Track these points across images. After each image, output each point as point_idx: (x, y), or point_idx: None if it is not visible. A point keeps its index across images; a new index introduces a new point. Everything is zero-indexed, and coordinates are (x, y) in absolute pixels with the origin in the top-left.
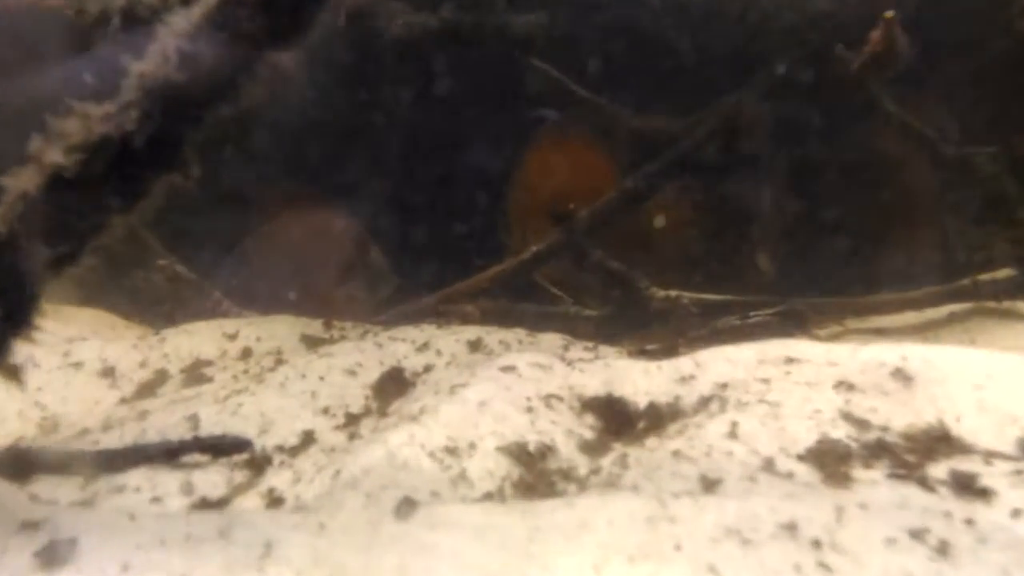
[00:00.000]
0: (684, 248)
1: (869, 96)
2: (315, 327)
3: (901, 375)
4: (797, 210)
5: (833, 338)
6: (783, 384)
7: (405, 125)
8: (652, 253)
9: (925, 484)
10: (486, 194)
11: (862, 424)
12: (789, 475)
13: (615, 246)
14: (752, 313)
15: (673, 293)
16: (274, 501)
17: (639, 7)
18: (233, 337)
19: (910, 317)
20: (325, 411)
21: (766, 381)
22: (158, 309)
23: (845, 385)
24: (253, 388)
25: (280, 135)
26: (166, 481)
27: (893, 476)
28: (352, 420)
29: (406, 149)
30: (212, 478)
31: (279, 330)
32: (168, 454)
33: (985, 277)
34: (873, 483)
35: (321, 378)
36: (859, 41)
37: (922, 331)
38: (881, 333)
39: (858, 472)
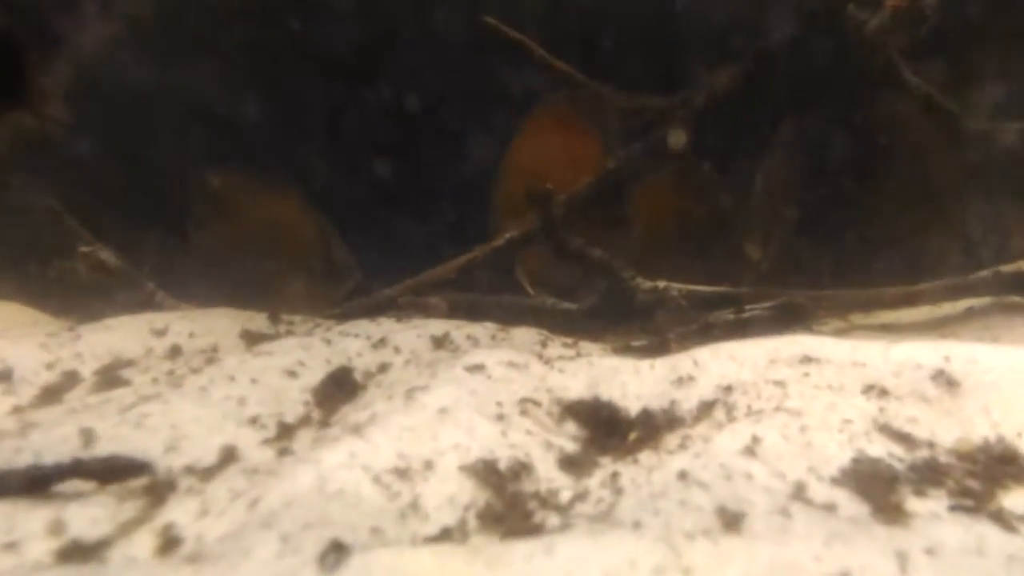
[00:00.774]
0: (673, 235)
1: (885, 62)
2: (260, 321)
3: (944, 379)
4: (795, 192)
5: (838, 334)
6: (801, 388)
7: (366, 95)
8: (638, 240)
9: (1001, 520)
10: (465, 176)
11: (903, 439)
12: (829, 507)
13: (597, 233)
14: (748, 307)
15: (661, 284)
16: (169, 543)
17: None
18: (162, 333)
19: (923, 312)
20: (253, 421)
21: (780, 384)
22: (82, 302)
23: (877, 390)
24: (168, 394)
25: (229, 107)
26: (29, 519)
27: (958, 509)
28: (285, 432)
29: (370, 124)
30: (93, 512)
31: (218, 324)
32: (38, 481)
33: (1008, 268)
34: (935, 518)
35: (253, 380)
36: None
37: (937, 328)
38: (890, 329)
39: (912, 503)
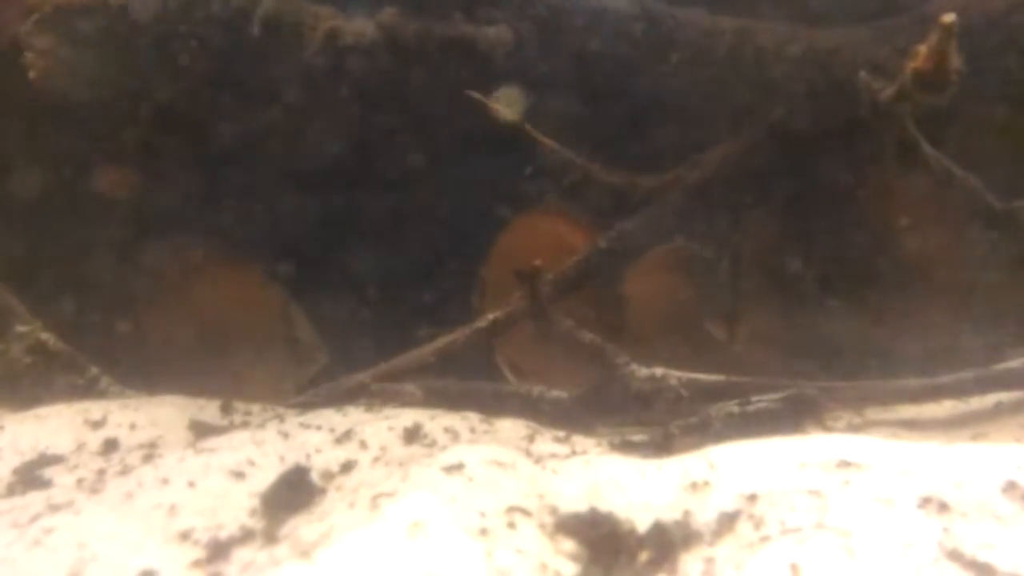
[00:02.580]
0: (669, 318)
1: (900, 134)
2: (211, 411)
3: (1018, 492)
4: (775, 269)
5: (854, 431)
6: (842, 499)
7: (333, 159)
8: (631, 324)
9: None
10: (448, 251)
11: (984, 571)
12: None
13: (586, 315)
14: (754, 398)
15: (659, 371)
16: None
17: (620, 41)
18: (99, 425)
19: (946, 408)
20: (184, 537)
21: (816, 494)
22: (16, 389)
23: (935, 504)
24: (83, 502)
25: (184, 174)
26: None
27: None
28: (219, 552)
29: (337, 190)
30: None
31: (164, 415)
32: None
33: None
34: None
35: (191, 484)
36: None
37: (965, 425)
38: (912, 426)
39: None
